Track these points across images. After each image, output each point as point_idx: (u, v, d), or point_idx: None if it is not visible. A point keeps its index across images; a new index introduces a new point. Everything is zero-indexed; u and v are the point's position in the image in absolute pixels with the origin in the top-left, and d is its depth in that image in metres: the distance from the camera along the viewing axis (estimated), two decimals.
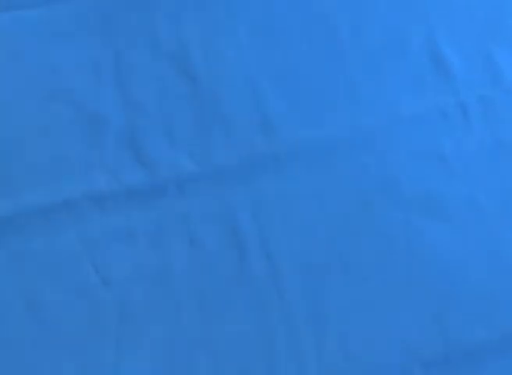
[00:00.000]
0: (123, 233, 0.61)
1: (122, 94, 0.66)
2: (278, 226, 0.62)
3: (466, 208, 0.63)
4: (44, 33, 0.67)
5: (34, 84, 0.66)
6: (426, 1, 0.71)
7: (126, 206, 0.62)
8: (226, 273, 0.60)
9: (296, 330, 0.59)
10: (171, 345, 0.58)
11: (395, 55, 0.69)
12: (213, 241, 0.61)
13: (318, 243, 0.62)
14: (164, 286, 0.60)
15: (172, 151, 0.64)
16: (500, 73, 0.68)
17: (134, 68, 0.67)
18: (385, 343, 0.59)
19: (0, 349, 0.57)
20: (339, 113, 0.66)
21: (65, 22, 0.68)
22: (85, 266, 0.60)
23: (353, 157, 0.65)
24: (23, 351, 0.58)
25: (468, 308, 0.60)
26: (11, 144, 0.64)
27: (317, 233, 0.62)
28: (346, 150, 0.65)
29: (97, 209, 0.62)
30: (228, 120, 0.66)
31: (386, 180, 0.64)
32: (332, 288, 0.60)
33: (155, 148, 0.64)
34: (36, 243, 0.60)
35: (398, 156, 0.65)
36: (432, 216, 0.63)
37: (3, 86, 0.66)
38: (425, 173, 0.64)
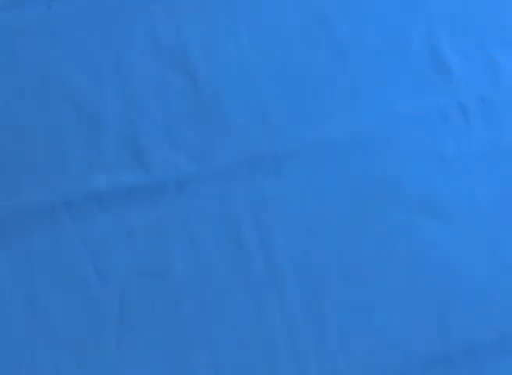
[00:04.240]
0: (123, 233, 0.61)
1: (122, 94, 0.66)
2: (278, 226, 0.62)
3: (466, 209, 0.64)
4: (44, 33, 0.67)
5: (34, 84, 0.66)
6: (426, 1, 0.71)
7: (126, 206, 0.62)
8: (226, 273, 0.60)
9: (296, 330, 0.59)
10: (171, 345, 0.58)
11: (395, 55, 0.69)
12: (213, 241, 0.61)
13: (318, 243, 0.62)
14: (164, 286, 0.60)
15: (172, 151, 0.64)
16: (500, 73, 0.69)
17: (134, 68, 0.67)
18: (385, 343, 0.59)
19: (0, 349, 0.57)
20: (339, 113, 0.66)
21: (65, 22, 0.68)
22: (85, 266, 0.60)
23: (353, 157, 0.65)
24: (23, 351, 0.58)
25: (468, 308, 0.60)
26: (11, 144, 0.64)
27: (317, 233, 0.62)
28: (346, 150, 0.65)
29: (97, 209, 0.62)
30: (228, 120, 0.66)
31: (386, 180, 0.64)
32: (332, 288, 0.60)
33: (155, 147, 0.64)
34: (36, 243, 0.60)
35: (398, 156, 0.65)
36: (432, 216, 0.63)
37: (3, 86, 0.66)
38: (425, 173, 0.65)
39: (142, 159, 0.64)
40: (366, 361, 0.58)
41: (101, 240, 0.61)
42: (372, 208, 0.63)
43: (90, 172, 0.63)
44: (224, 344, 0.58)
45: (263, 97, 0.66)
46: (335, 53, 0.69)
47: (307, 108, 0.66)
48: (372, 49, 0.69)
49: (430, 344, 0.59)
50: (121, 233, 0.61)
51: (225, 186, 0.63)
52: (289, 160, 0.64)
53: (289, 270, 0.61)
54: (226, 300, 0.60)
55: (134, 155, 0.64)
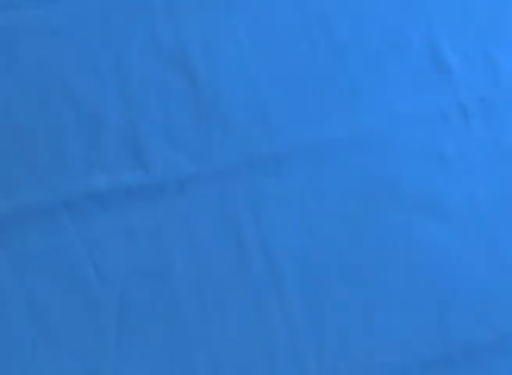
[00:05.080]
0: (123, 233, 0.61)
1: (122, 94, 0.66)
2: (278, 226, 0.62)
3: (466, 209, 0.64)
4: (43, 34, 0.67)
5: (34, 84, 0.66)
6: (426, 1, 0.71)
7: (126, 206, 0.62)
8: (226, 273, 0.60)
9: (296, 330, 0.59)
10: (171, 345, 0.58)
11: (395, 55, 0.69)
12: (213, 241, 0.61)
13: (318, 243, 0.62)
14: (164, 286, 0.60)
15: (172, 151, 0.64)
16: (500, 73, 0.69)
17: (134, 68, 0.67)
18: (385, 343, 0.59)
19: (0, 349, 0.57)
20: (339, 113, 0.66)
21: (65, 22, 0.68)
22: (85, 266, 0.60)
23: (353, 157, 0.65)
24: (23, 351, 0.58)
25: (468, 308, 0.60)
26: (11, 144, 0.64)
27: (317, 233, 0.62)
28: (346, 150, 0.65)
29: (97, 209, 0.62)
30: (228, 120, 0.66)
31: (386, 180, 0.64)
32: (332, 288, 0.60)
33: (155, 147, 0.64)
34: (36, 243, 0.60)
35: (398, 156, 0.65)
36: (432, 216, 0.63)
37: (3, 86, 0.66)
38: (425, 173, 0.65)
39: (142, 159, 0.64)
40: (366, 361, 0.58)
41: (101, 240, 0.61)
42: (372, 208, 0.63)
43: (90, 172, 0.63)
44: (224, 344, 0.58)
45: (263, 97, 0.66)
46: (335, 53, 0.69)
47: (307, 108, 0.66)
48: (372, 49, 0.69)
49: (430, 344, 0.59)
50: (121, 233, 0.61)
51: (225, 186, 0.63)
52: (289, 160, 0.64)
53: (289, 270, 0.61)
54: (226, 300, 0.60)
55: (134, 155, 0.64)
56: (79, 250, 0.61)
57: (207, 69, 0.68)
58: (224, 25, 0.69)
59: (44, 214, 0.61)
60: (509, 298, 0.61)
